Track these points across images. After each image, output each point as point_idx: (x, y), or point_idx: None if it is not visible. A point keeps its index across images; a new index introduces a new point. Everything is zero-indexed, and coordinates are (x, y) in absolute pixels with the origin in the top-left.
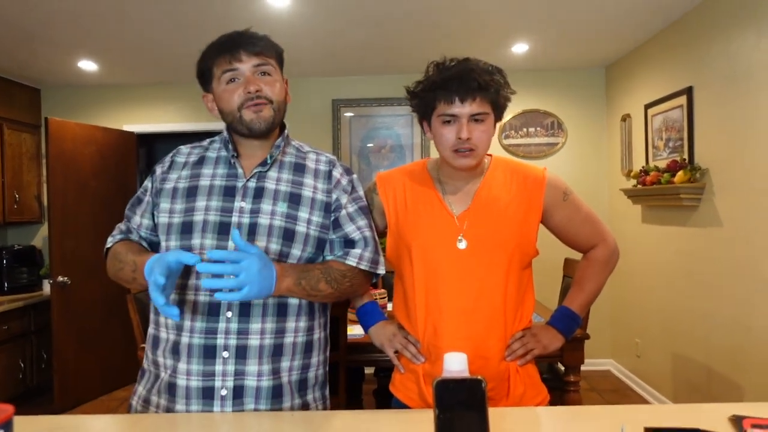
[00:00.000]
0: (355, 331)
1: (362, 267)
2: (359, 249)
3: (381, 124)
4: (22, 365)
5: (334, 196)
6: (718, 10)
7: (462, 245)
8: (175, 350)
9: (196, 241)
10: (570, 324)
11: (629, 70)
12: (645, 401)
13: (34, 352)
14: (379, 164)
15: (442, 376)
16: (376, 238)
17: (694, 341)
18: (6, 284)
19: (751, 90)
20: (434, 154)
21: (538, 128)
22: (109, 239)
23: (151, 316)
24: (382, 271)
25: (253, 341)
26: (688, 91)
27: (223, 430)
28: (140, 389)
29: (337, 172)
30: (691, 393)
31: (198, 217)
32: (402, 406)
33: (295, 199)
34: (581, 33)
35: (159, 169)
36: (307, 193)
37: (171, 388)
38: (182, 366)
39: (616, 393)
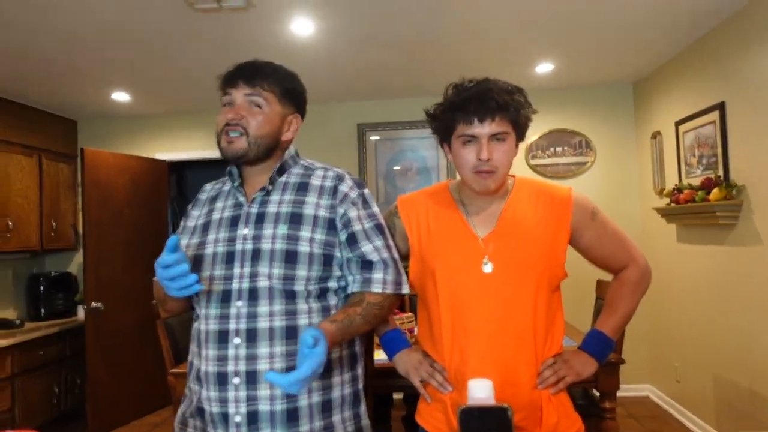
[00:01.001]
0: (382, 356)
1: (388, 291)
2: (380, 273)
3: (406, 147)
4: (57, 390)
5: (340, 211)
6: (748, 24)
7: (488, 268)
8: (198, 377)
9: (205, 272)
10: (603, 348)
11: (658, 87)
12: (686, 429)
13: (68, 376)
14: (406, 187)
15: (467, 403)
16: (396, 256)
17: (736, 364)
18: (43, 310)
19: None
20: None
21: (566, 147)
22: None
23: (190, 346)
24: (406, 290)
25: (263, 366)
26: (721, 107)
27: None
28: (179, 411)
29: (345, 186)
30: (735, 419)
31: (208, 250)
32: None
33: (296, 219)
34: (606, 50)
35: (189, 208)
36: (308, 211)
37: (201, 413)
38: (204, 393)
39: (655, 420)
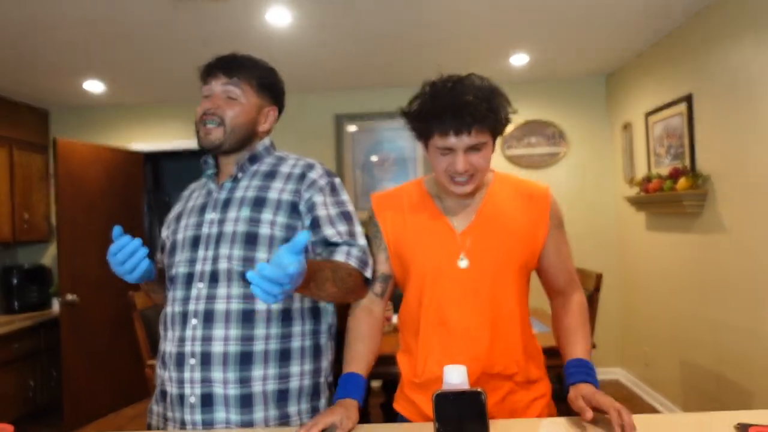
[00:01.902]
0: None
1: (351, 263)
2: (344, 249)
3: (384, 138)
4: (32, 384)
5: (306, 196)
6: (717, 19)
7: (463, 264)
8: (163, 360)
9: (177, 258)
10: (593, 373)
11: (629, 79)
12: (654, 410)
13: (44, 370)
14: (383, 177)
15: (441, 389)
16: (363, 242)
17: (702, 348)
18: (17, 303)
19: (751, 97)
20: None
21: (540, 138)
22: None
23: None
24: (369, 274)
25: (217, 348)
26: (688, 99)
27: None
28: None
29: (314, 174)
30: (700, 401)
31: (179, 236)
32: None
33: (259, 202)
34: (581, 42)
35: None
36: (272, 195)
37: (163, 396)
38: (166, 374)
39: (625, 402)
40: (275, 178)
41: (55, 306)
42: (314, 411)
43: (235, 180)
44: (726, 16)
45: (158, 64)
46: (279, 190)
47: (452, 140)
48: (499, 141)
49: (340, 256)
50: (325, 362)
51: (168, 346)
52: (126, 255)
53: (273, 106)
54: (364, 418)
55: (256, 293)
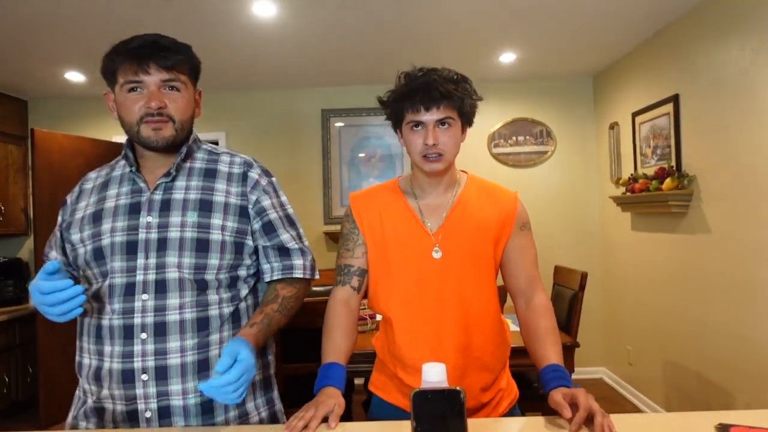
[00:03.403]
0: None
1: (307, 277)
2: (299, 259)
3: (371, 134)
4: (7, 380)
5: (253, 198)
6: (704, 19)
7: (437, 255)
8: (97, 376)
9: (108, 266)
10: (568, 377)
11: (617, 79)
12: (637, 409)
13: (20, 366)
14: (370, 173)
15: (420, 387)
16: (307, 244)
17: (685, 348)
18: None
19: (737, 98)
20: None
21: (528, 137)
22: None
23: (77, 343)
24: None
25: (173, 360)
26: (675, 99)
27: None
28: (69, 416)
29: (254, 173)
30: (682, 401)
31: (106, 241)
32: (383, 403)
33: (206, 206)
34: (568, 42)
35: (68, 200)
36: (219, 198)
37: (99, 412)
38: (105, 392)
39: (607, 401)
40: (215, 178)
41: (32, 301)
42: (269, 402)
43: (171, 178)
44: (713, 17)
45: None
46: (224, 193)
47: (423, 115)
48: (486, 138)
49: (298, 273)
50: (270, 356)
51: (108, 362)
52: (59, 300)
53: (199, 89)
54: (347, 415)
55: (220, 399)
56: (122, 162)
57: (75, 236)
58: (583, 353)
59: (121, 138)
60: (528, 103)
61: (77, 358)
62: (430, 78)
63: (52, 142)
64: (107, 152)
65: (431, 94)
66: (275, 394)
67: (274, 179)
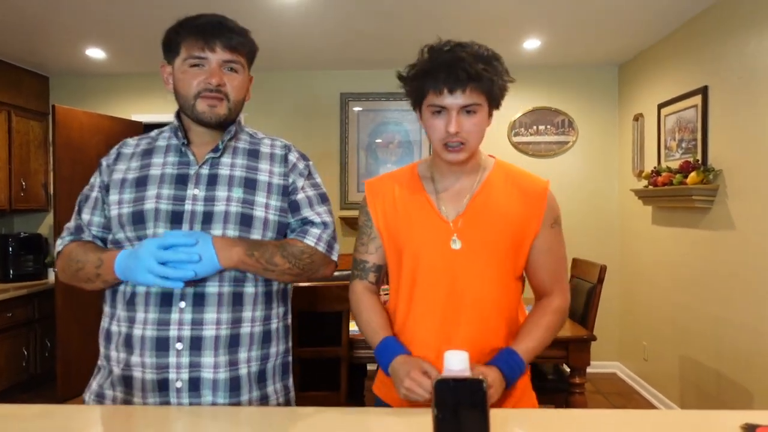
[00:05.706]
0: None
1: (320, 248)
2: (318, 229)
3: (389, 119)
4: (26, 353)
5: (290, 179)
6: (734, 9)
7: (456, 245)
8: (128, 343)
9: (149, 231)
10: (514, 369)
11: (643, 69)
12: (651, 405)
13: (38, 340)
14: (387, 159)
15: (442, 375)
16: (334, 226)
17: (703, 345)
18: (11, 272)
19: None
20: None
21: (549, 126)
22: (59, 241)
23: (105, 309)
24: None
25: (209, 332)
26: (703, 91)
27: (179, 425)
28: (93, 384)
29: (293, 156)
30: (699, 398)
31: (149, 206)
32: (383, 404)
33: (250, 185)
34: (594, 30)
35: (105, 162)
36: (263, 177)
37: (126, 381)
38: (136, 359)
39: (621, 396)
40: (258, 158)
41: (51, 276)
42: (285, 389)
43: (219, 154)
44: (743, 8)
45: (161, 33)
46: (267, 173)
47: (446, 98)
48: (506, 126)
49: (310, 240)
50: (290, 342)
51: (140, 329)
52: (185, 256)
53: (251, 75)
54: (359, 400)
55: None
56: (166, 134)
57: (113, 197)
58: (598, 347)
59: (139, 117)
60: (551, 91)
61: (104, 324)
62: (457, 55)
63: (72, 118)
64: (127, 130)
65: (457, 74)
66: (290, 381)
67: (310, 163)
